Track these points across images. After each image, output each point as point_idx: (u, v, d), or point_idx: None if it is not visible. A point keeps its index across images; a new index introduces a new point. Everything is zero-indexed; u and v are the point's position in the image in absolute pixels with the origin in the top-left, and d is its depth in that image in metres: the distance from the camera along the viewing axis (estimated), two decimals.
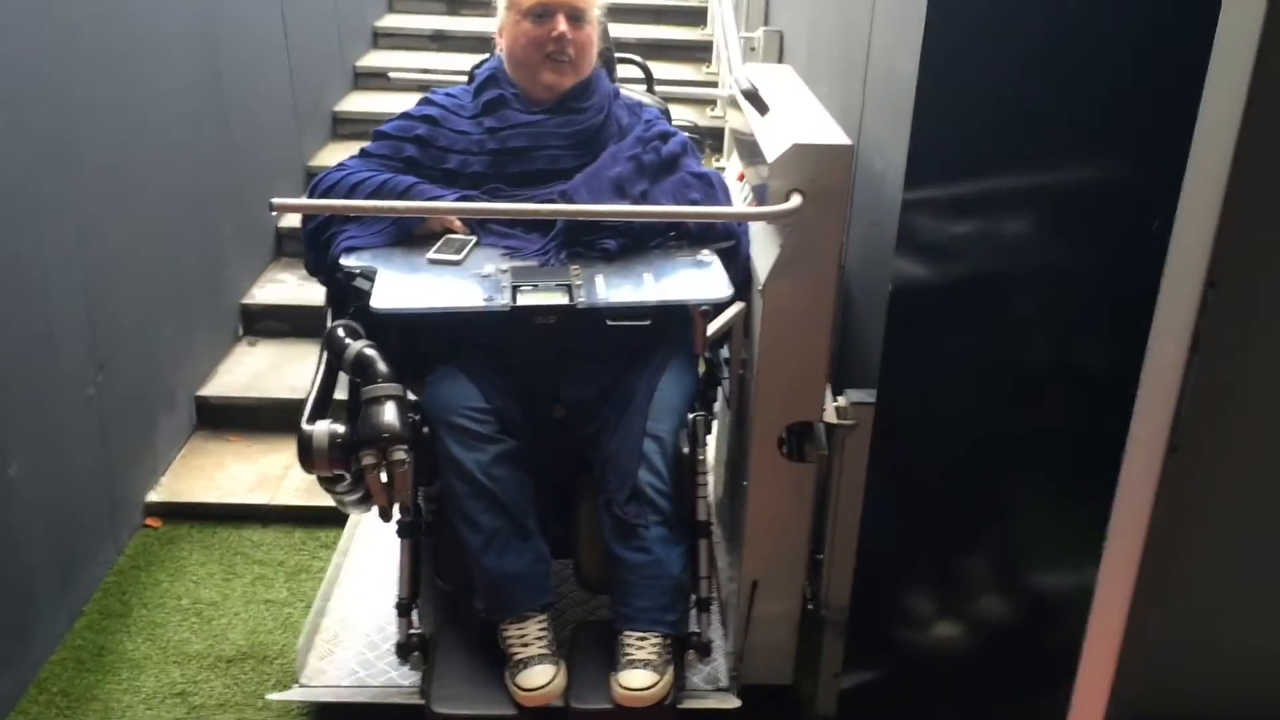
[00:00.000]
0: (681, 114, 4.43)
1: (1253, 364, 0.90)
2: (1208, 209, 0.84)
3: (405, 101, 2.30)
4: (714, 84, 4.87)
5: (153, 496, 2.95)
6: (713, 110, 4.75)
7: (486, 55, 2.36)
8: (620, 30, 5.10)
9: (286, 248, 3.97)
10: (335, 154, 4.41)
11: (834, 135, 1.96)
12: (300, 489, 3.01)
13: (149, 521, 2.92)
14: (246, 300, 3.65)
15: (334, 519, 2.83)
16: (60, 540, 2.49)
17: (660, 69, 4.98)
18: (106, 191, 2.66)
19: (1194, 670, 1.05)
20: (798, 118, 2.08)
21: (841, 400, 2.05)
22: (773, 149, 1.92)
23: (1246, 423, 0.93)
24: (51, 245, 2.40)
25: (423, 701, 1.96)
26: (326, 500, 2.89)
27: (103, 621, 2.55)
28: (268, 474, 3.09)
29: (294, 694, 2.11)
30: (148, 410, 2.98)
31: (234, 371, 3.41)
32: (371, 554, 2.52)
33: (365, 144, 2.21)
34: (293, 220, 3.90)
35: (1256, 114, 0.80)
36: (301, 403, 1.95)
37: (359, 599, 2.36)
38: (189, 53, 3.20)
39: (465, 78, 2.38)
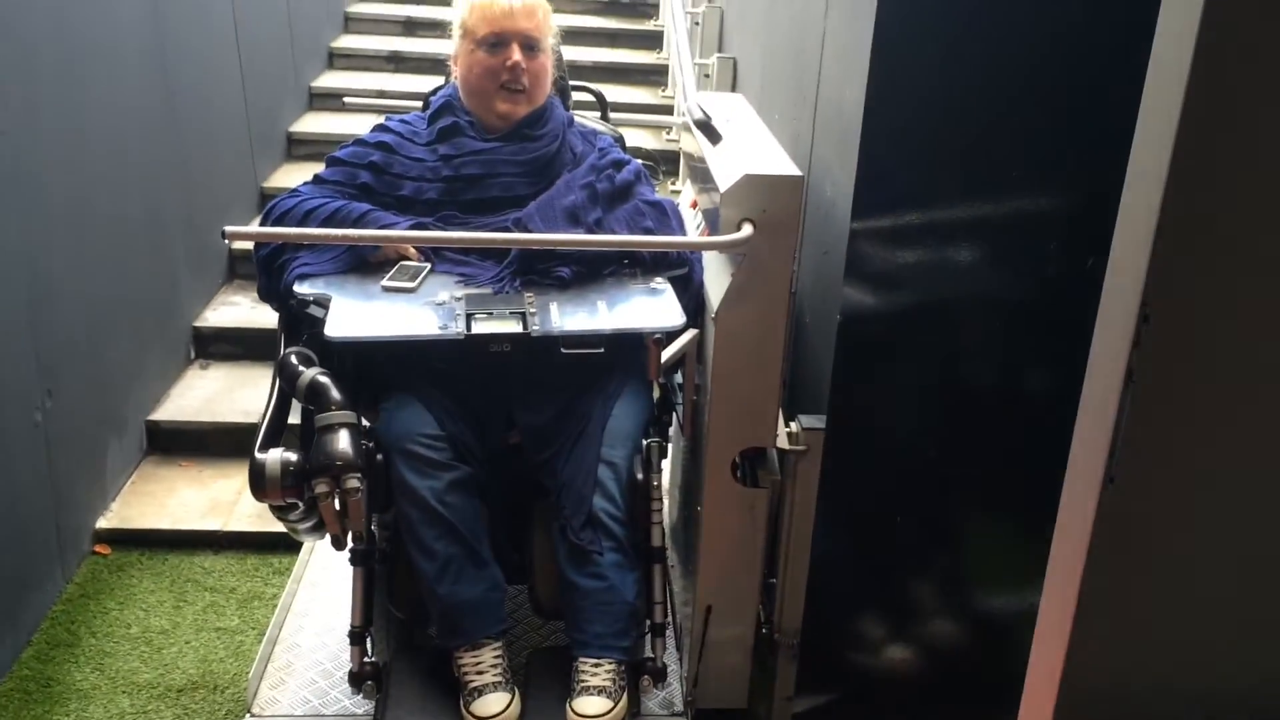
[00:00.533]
0: (637, 138, 4.46)
1: (1186, 397, 0.92)
2: (1140, 245, 0.86)
3: (361, 122, 2.30)
4: (670, 108, 4.90)
5: (102, 523, 2.92)
6: (668, 134, 4.79)
7: (442, 82, 2.37)
8: (576, 54, 5.13)
9: (240, 269, 3.95)
10: (290, 175, 4.39)
11: (785, 166, 1.99)
12: (253, 515, 2.99)
13: (98, 549, 2.88)
14: (199, 323, 3.62)
15: (287, 545, 2.82)
16: (6, 569, 2.45)
17: (616, 92, 5.02)
18: (55, 212, 2.63)
19: (1134, 694, 1.06)
20: (749, 148, 2.11)
21: (793, 426, 2.07)
22: (725, 179, 1.95)
23: (1180, 454, 0.94)
24: None
25: None
26: (280, 526, 2.89)
27: (50, 651, 2.52)
28: (220, 499, 3.06)
29: None
30: (97, 435, 2.94)
31: (186, 395, 3.38)
32: (325, 581, 2.50)
33: (319, 169, 2.21)
34: (246, 243, 3.88)
35: (1184, 157, 0.82)
36: (255, 429, 1.93)
37: (312, 627, 2.34)
38: (141, 73, 3.18)
39: (420, 103, 2.38)
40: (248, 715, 2.10)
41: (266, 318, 3.58)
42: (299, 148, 4.64)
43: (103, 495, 2.97)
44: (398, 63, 5.38)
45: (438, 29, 5.54)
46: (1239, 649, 1.02)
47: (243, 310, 3.73)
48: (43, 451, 2.59)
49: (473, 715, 1.90)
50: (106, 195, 2.93)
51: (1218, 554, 0.98)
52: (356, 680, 2.01)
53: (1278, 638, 1.01)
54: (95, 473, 2.93)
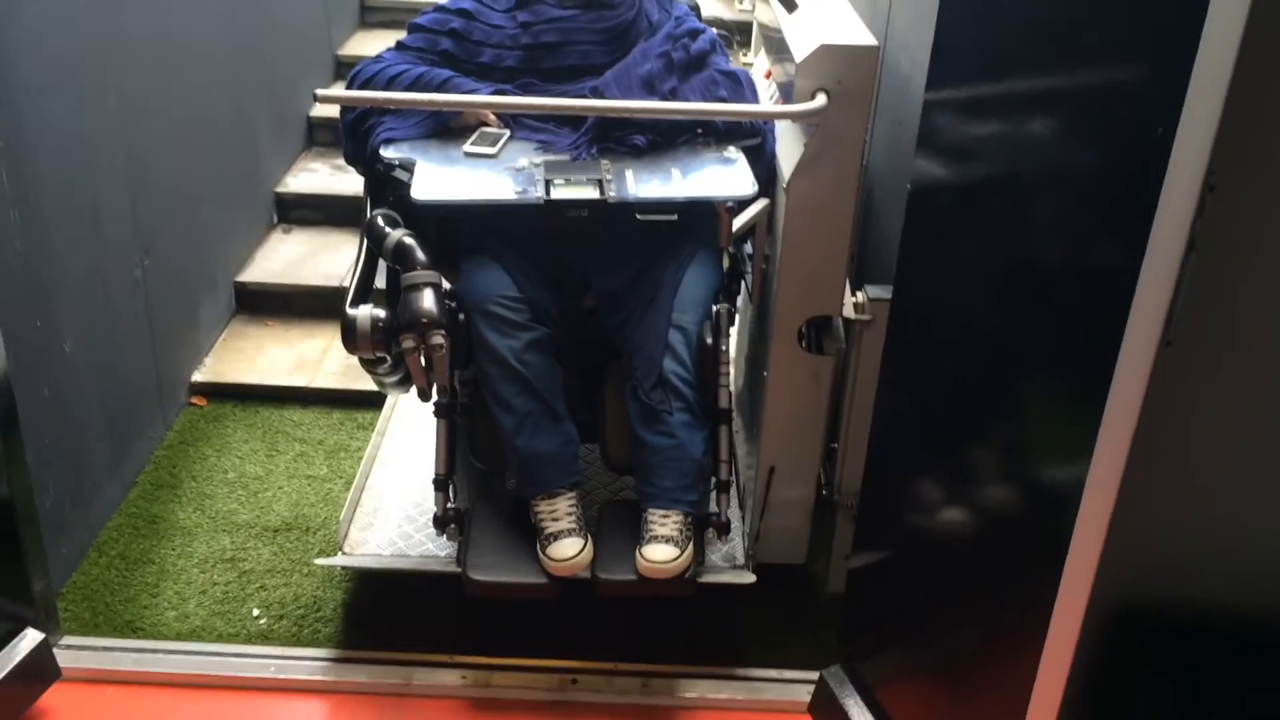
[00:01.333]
0: (710, 8, 4.37)
1: (1246, 265, 0.93)
2: (1208, 118, 0.87)
3: None
4: None
5: (197, 376, 3.08)
6: (741, 4, 4.68)
7: None
8: None
9: (318, 137, 4.01)
10: (363, 42, 4.40)
11: (861, 36, 1.99)
12: (337, 372, 3.13)
13: (195, 400, 3.05)
14: (281, 189, 3.71)
15: (370, 402, 2.95)
16: (113, 415, 2.62)
17: None
18: (147, 78, 2.71)
19: (1173, 560, 1.10)
20: (825, 17, 2.10)
21: (860, 296, 2.11)
22: (800, 49, 1.95)
23: (1238, 320, 0.96)
24: (97, 130, 2.47)
25: (459, 570, 2.09)
26: (363, 384, 3.02)
27: (155, 491, 2.70)
28: (305, 358, 3.20)
29: (338, 560, 2.25)
30: (190, 294, 3.08)
31: (270, 259, 3.50)
32: (407, 436, 2.64)
33: (392, 35, 2.24)
34: (324, 110, 3.94)
35: (1254, 31, 0.84)
36: (339, 291, 2.02)
37: (397, 477, 2.49)
38: None
39: None
40: (339, 553, 2.26)
41: (345, 184, 3.68)
42: (372, 14, 4.62)
43: (197, 350, 3.13)
44: None
45: None
46: (1276, 518, 1.06)
47: (321, 177, 3.81)
48: (142, 307, 2.73)
49: (549, 558, 2.03)
50: (192, 64, 2.99)
51: (1269, 425, 1.01)
52: (440, 524, 2.15)
53: None
54: (189, 329, 3.08)
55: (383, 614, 2.35)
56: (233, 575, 2.45)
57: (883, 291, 2.06)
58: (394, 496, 2.41)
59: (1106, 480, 1.05)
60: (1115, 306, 1.00)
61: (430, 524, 2.18)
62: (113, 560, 2.48)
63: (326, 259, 3.48)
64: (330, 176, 3.80)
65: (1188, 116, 0.90)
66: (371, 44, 4.29)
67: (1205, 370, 0.98)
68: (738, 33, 3.98)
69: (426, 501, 2.26)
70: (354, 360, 2.08)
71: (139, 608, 2.35)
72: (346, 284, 2.08)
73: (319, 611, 2.35)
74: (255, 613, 2.35)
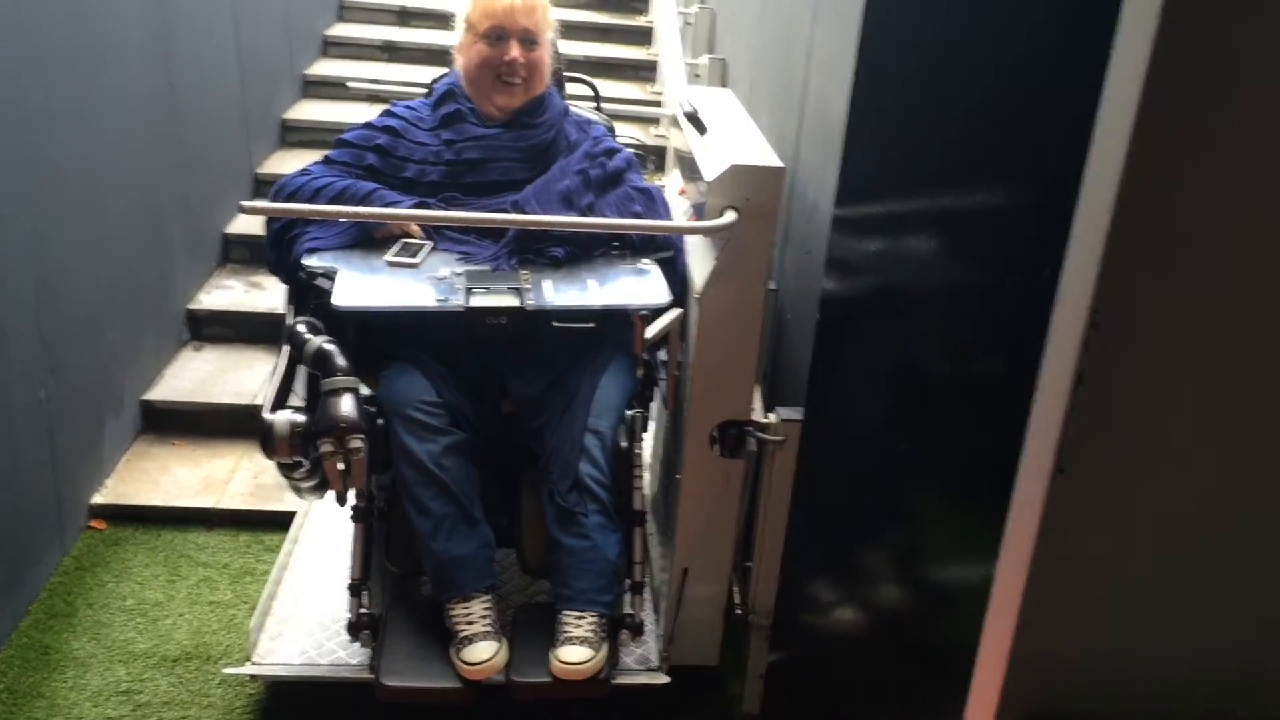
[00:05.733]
0: (627, 131, 4.58)
1: (1130, 397, 0.98)
2: (1091, 257, 0.93)
3: (352, 110, 2.40)
4: (658, 103, 5.00)
5: (98, 499, 2.99)
6: (656, 129, 4.89)
7: (445, 70, 2.49)
8: (568, 47, 5.23)
9: (233, 254, 4.02)
10: (283, 161, 4.46)
11: (768, 158, 2.13)
12: (246, 493, 3.07)
13: (94, 524, 2.95)
14: (193, 305, 3.69)
15: (278, 523, 2.89)
16: (7, 540, 2.52)
17: (606, 87, 5.10)
18: (60, 196, 2.72)
19: (1079, 671, 1.11)
20: (735, 140, 2.24)
21: (772, 417, 2.18)
22: (711, 168, 2.08)
23: (1123, 449, 1.00)
24: (4, 248, 2.45)
25: (371, 676, 2.04)
26: (272, 504, 2.99)
27: (48, 621, 2.58)
28: (213, 478, 3.14)
29: (246, 669, 2.17)
30: (95, 413, 3.01)
31: (180, 376, 3.45)
32: (320, 543, 2.60)
33: (313, 155, 2.31)
34: (240, 227, 3.97)
35: (1135, 176, 0.89)
36: (250, 410, 2.02)
37: (309, 584, 2.44)
38: (145, 62, 3.26)
39: (420, 88, 2.51)
40: (248, 664, 2.19)
41: (259, 301, 3.69)
42: (293, 134, 4.69)
43: (99, 472, 3.04)
44: (392, 52, 5.42)
45: (432, 19, 5.57)
46: (1179, 633, 1.10)
47: (236, 294, 3.81)
48: (45, 427, 2.66)
49: (463, 661, 2.01)
50: (108, 181, 3.01)
51: (1159, 543, 1.05)
52: (354, 629, 2.11)
53: (1214, 624, 1.09)
54: (93, 449, 3.01)
55: None
56: (128, 709, 2.33)
57: (794, 412, 2.13)
58: (307, 605, 2.36)
59: (1009, 597, 1.06)
60: (1012, 430, 1.04)
61: (343, 631, 2.14)
62: (0, 695, 2.35)
63: (238, 376, 3.45)
64: (245, 293, 3.80)
65: (1072, 258, 0.96)
66: (291, 163, 4.34)
67: (1098, 495, 1.01)
68: (652, 155, 4.18)
69: (339, 608, 2.22)
70: (263, 480, 2.07)
71: None
72: (266, 392, 2.08)
73: None
74: None
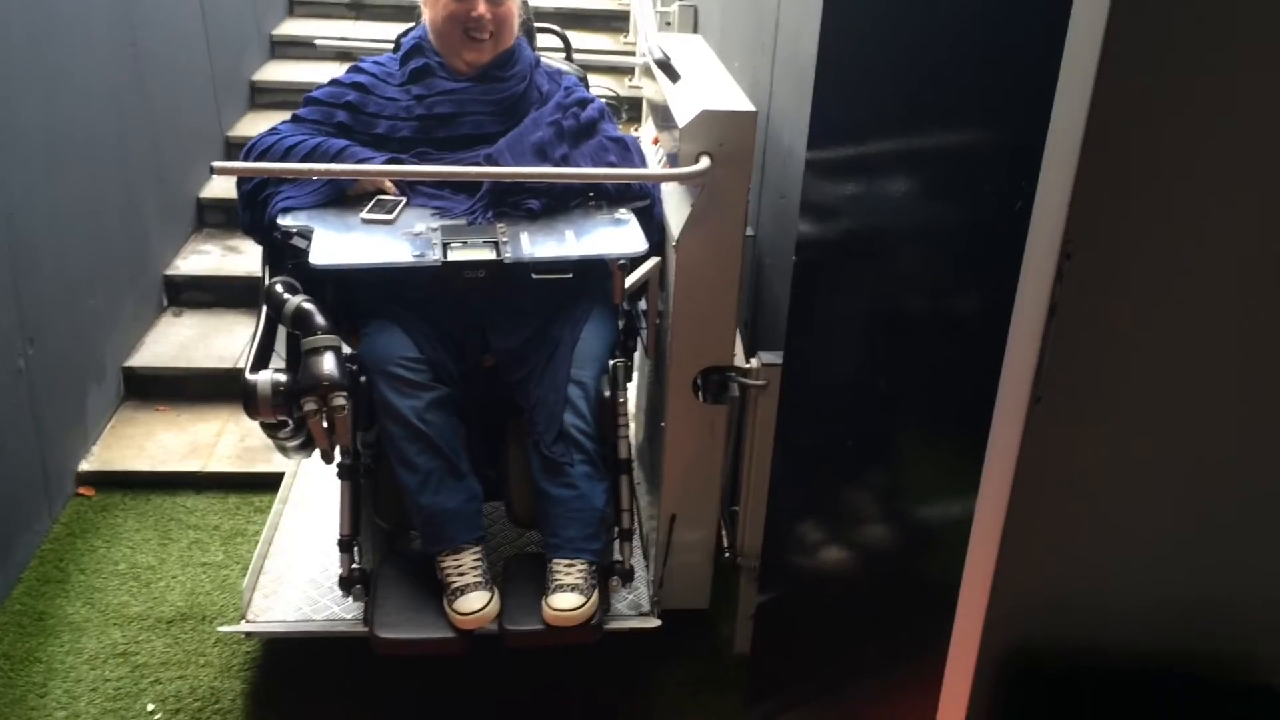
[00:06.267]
0: (600, 83, 4.54)
1: (1103, 326, 0.99)
2: (1061, 188, 0.93)
3: (322, 70, 2.37)
4: (631, 53, 4.97)
5: (85, 466, 3.00)
6: (630, 80, 4.85)
7: (411, 25, 2.46)
8: (538, 0, 5.18)
9: (209, 219, 4.00)
10: (254, 123, 4.41)
11: (740, 102, 2.12)
12: (233, 455, 3.08)
13: (82, 490, 2.96)
14: (170, 271, 3.68)
15: (267, 484, 2.90)
16: None
17: (579, 38, 5.03)
18: (30, 166, 2.69)
19: (1058, 603, 1.13)
20: (707, 86, 2.23)
21: (754, 361, 2.20)
22: (683, 114, 2.07)
23: (1099, 377, 1.02)
24: None
25: (366, 630, 2.07)
26: (260, 466, 3.00)
27: (41, 587, 2.60)
28: (199, 442, 3.15)
29: (241, 627, 2.20)
30: (77, 382, 3.01)
31: (160, 342, 3.45)
32: (310, 502, 2.61)
33: (282, 116, 2.29)
34: (215, 191, 3.94)
35: (1101, 106, 0.90)
36: (233, 373, 2.02)
37: (300, 542, 2.46)
38: (108, 25, 3.22)
39: (389, 46, 2.48)
40: (243, 622, 2.21)
41: (236, 265, 3.68)
42: (262, 96, 4.64)
43: (84, 439, 3.05)
44: (359, 9, 5.36)
45: None
46: (1159, 562, 1.12)
47: (213, 258, 3.79)
48: (26, 397, 2.66)
49: (455, 612, 2.03)
50: (78, 148, 2.98)
51: (1137, 471, 1.07)
52: (346, 585, 2.13)
53: (1194, 552, 1.11)
54: (76, 417, 3.01)
55: (284, 704, 2.29)
56: (125, 670, 2.36)
57: (775, 357, 2.14)
58: (298, 563, 2.38)
59: (990, 531, 1.08)
60: (988, 366, 1.05)
61: (336, 587, 2.16)
62: None
63: (219, 341, 3.45)
64: (222, 258, 3.78)
65: (1043, 190, 0.96)
66: (261, 125, 4.20)
67: (1074, 422, 1.03)
68: (626, 106, 4.15)
69: (331, 566, 2.24)
70: (250, 443, 2.08)
71: (26, 709, 2.25)
72: (247, 353, 2.08)
73: (217, 703, 2.28)
74: (150, 708, 2.26)
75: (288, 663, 2.37)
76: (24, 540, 2.67)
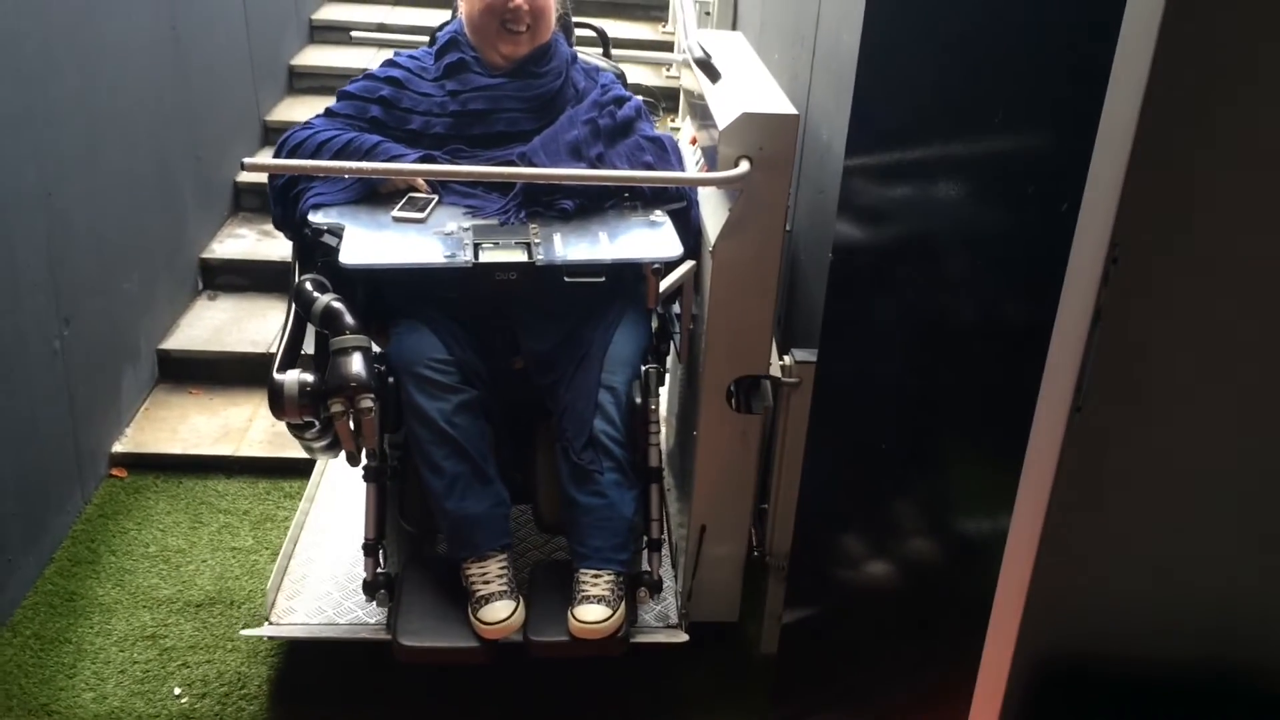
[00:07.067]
0: (638, 74, 4.47)
1: (1149, 333, 0.96)
2: (1110, 191, 0.90)
3: (360, 55, 2.34)
4: (670, 44, 4.90)
5: (118, 448, 3.01)
6: (669, 71, 4.80)
7: (447, 18, 2.42)
8: None
9: (244, 203, 3.99)
10: (292, 108, 4.41)
11: (781, 105, 2.06)
12: (264, 440, 3.08)
13: (115, 472, 2.98)
14: (206, 255, 3.68)
15: (298, 470, 2.91)
16: (29, 489, 2.54)
17: (616, 27, 4.99)
18: (68, 147, 2.69)
19: (1095, 613, 1.10)
20: (748, 86, 2.17)
21: (787, 359, 2.16)
22: (723, 116, 2.02)
23: (1143, 386, 0.98)
24: (14, 202, 2.44)
25: (389, 637, 2.05)
26: (291, 451, 2.99)
27: (73, 568, 2.62)
28: (231, 426, 3.15)
29: (264, 630, 2.19)
30: (111, 363, 3.02)
31: (195, 326, 3.45)
32: (336, 501, 2.60)
33: (321, 101, 2.26)
34: (251, 176, 3.93)
35: (1153, 110, 0.86)
36: (266, 358, 2.01)
37: (326, 543, 2.45)
38: (148, 8, 3.21)
39: (426, 36, 2.44)
40: (265, 624, 2.20)
41: (271, 250, 3.67)
42: (301, 80, 4.63)
43: (118, 421, 3.06)
44: None
45: None
46: (1198, 574, 1.09)
47: (248, 243, 3.79)
48: (61, 378, 2.67)
49: (480, 621, 2.01)
50: (116, 132, 2.98)
51: (1178, 483, 1.04)
52: (370, 589, 2.12)
53: (1234, 565, 1.08)
54: (110, 399, 3.02)
55: (310, 690, 2.29)
56: (153, 653, 2.37)
57: (809, 354, 2.10)
58: (323, 564, 2.37)
59: (1027, 539, 1.06)
60: (1028, 372, 1.03)
61: (360, 590, 2.14)
62: (27, 640, 2.39)
63: (253, 325, 3.45)
64: (257, 242, 3.77)
65: (1091, 191, 0.94)
66: (299, 110, 4.30)
67: (1115, 432, 1.01)
68: (663, 99, 4.09)
69: (356, 568, 2.23)
70: (282, 427, 2.06)
71: (55, 689, 2.27)
72: (274, 349, 2.07)
73: (243, 689, 2.29)
74: (177, 691, 2.28)
75: (314, 650, 2.36)
76: (57, 521, 2.69)
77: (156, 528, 2.79)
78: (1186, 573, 1.09)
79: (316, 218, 2.09)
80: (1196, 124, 0.88)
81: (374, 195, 2.16)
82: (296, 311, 2.07)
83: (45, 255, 2.57)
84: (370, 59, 2.59)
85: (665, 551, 2.21)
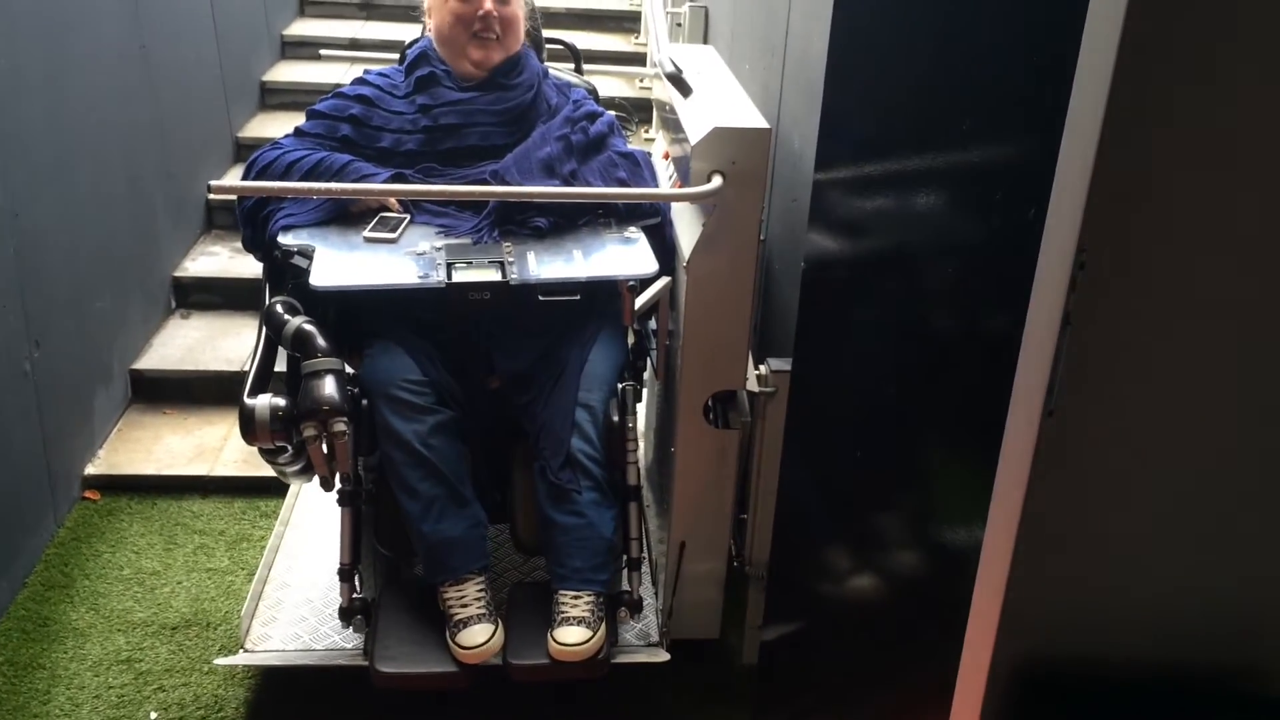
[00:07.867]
0: (611, 86, 4.46)
1: (1117, 336, 0.98)
2: (1075, 197, 0.91)
3: (332, 70, 2.32)
4: (642, 56, 4.89)
5: (91, 470, 2.98)
6: (641, 82, 4.79)
7: (417, 33, 2.40)
8: (549, 0, 5.12)
9: (218, 220, 3.96)
10: (264, 124, 4.38)
11: (753, 119, 2.05)
12: (239, 460, 3.05)
13: (88, 494, 2.94)
14: (179, 273, 3.64)
15: (273, 489, 2.88)
16: (0, 514, 2.51)
17: (588, 39, 4.98)
18: (37, 166, 2.66)
19: (1071, 616, 1.11)
20: (719, 100, 2.16)
21: (762, 369, 2.15)
22: (695, 131, 2.00)
23: (1113, 389, 0.99)
24: None
25: (366, 663, 2.03)
26: (266, 471, 2.94)
27: (46, 592, 2.58)
28: (206, 445, 3.12)
29: (239, 659, 2.16)
30: (83, 384, 2.99)
31: (168, 345, 3.42)
32: (312, 524, 2.58)
33: (292, 117, 2.24)
34: (222, 193, 3.90)
35: (1116, 116, 0.87)
36: (241, 376, 1.99)
37: (300, 567, 2.42)
38: (117, 25, 3.18)
39: (397, 54, 2.42)
40: (241, 651, 2.18)
41: (245, 268, 3.64)
42: (272, 97, 4.60)
43: (90, 442, 3.03)
44: (369, 10, 5.31)
45: None
46: (1173, 575, 1.10)
47: (221, 260, 3.75)
48: (32, 400, 2.64)
49: (458, 645, 1.99)
50: (86, 150, 2.95)
51: (1150, 484, 1.05)
52: (346, 615, 2.09)
53: (1208, 565, 1.09)
54: (83, 420, 2.98)
55: (288, 714, 2.27)
56: (129, 677, 2.35)
57: (784, 363, 2.09)
58: (299, 588, 2.34)
59: (1002, 544, 1.08)
60: (1001, 377, 1.04)
61: (336, 615, 2.12)
62: (0, 667, 2.35)
63: (227, 344, 3.41)
64: (230, 260, 3.74)
65: (1057, 197, 0.94)
66: (272, 126, 4.27)
67: (1088, 435, 1.02)
68: (636, 110, 4.08)
69: (332, 592, 2.20)
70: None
71: (29, 716, 2.23)
72: (247, 371, 2.04)
73: (220, 712, 2.26)
74: (153, 716, 2.25)
75: (291, 673, 2.33)
76: (29, 544, 2.65)
77: (131, 550, 2.76)
78: (1161, 575, 1.10)
79: (286, 239, 2.07)
80: (1162, 126, 0.89)
81: (345, 215, 2.14)
82: (267, 335, 2.04)
83: (14, 275, 2.54)
84: (343, 74, 2.57)
85: (645, 569, 2.19)
